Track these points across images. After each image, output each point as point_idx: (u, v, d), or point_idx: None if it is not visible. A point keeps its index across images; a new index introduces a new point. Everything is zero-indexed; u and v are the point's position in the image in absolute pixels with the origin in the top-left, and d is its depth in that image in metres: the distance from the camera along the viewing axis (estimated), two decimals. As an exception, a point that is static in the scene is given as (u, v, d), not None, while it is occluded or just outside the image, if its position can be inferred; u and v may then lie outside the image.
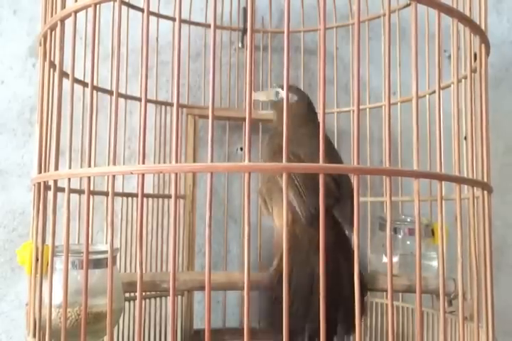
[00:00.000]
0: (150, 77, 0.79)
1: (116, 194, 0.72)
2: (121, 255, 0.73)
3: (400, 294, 0.76)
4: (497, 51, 0.73)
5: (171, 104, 0.82)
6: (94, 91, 0.70)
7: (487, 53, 0.55)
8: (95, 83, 0.70)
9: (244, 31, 0.88)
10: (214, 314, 0.84)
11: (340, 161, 0.69)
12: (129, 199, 0.76)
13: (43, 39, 0.54)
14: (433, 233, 0.69)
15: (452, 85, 0.64)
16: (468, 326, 0.56)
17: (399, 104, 0.80)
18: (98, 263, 0.53)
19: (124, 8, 0.75)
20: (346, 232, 0.65)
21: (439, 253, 0.44)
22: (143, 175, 0.40)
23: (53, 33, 0.52)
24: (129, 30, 0.75)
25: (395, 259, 0.69)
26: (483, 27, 0.54)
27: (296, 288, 0.60)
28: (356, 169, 0.39)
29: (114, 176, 0.42)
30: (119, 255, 0.70)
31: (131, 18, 0.75)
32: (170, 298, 0.39)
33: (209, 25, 0.84)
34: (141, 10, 0.76)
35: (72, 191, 0.48)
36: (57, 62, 0.49)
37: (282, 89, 0.66)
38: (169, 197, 0.79)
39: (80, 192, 0.67)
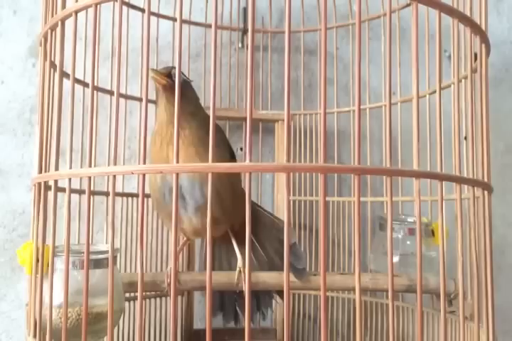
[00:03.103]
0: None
1: (116, 194, 0.72)
2: (121, 255, 0.73)
3: (400, 294, 0.76)
4: (497, 51, 0.73)
5: (171, 104, 0.82)
6: (95, 92, 0.70)
7: (487, 53, 0.55)
8: (95, 83, 0.70)
9: (244, 31, 0.88)
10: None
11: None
12: (129, 199, 0.76)
13: (43, 39, 0.54)
14: (433, 233, 0.69)
15: (452, 85, 0.64)
16: (468, 326, 0.56)
17: (399, 104, 0.80)
18: (98, 263, 0.53)
19: (124, 8, 0.75)
20: None
21: (439, 253, 0.44)
22: (144, 175, 0.40)
23: (54, 33, 0.52)
24: (129, 30, 0.75)
25: (395, 259, 0.69)
26: (483, 27, 0.54)
27: None
28: (357, 169, 0.39)
29: (114, 176, 0.42)
30: (118, 255, 0.70)
31: (131, 18, 0.75)
32: (171, 298, 0.39)
33: (209, 25, 0.85)
34: (142, 10, 0.76)
35: (72, 191, 0.48)
36: (57, 63, 0.49)
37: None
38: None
39: (80, 192, 0.67)
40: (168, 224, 0.64)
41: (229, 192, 0.60)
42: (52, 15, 0.53)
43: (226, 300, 0.70)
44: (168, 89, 0.59)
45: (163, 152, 0.59)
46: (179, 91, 0.41)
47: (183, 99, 0.62)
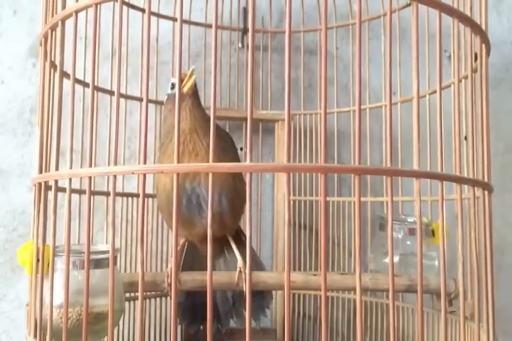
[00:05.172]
0: (150, 77, 0.79)
1: (116, 194, 0.72)
2: (121, 255, 0.73)
3: (400, 294, 0.76)
4: (497, 51, 0.73)
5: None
6: (95, 92, 0.70)
7: (487, 53, 0.55)
8: (96, 83, 0.70)
9: (245, 31, 0.88)
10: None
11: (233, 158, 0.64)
12: (129, 199, 0.76)
13: (43, 39, 0.54)
14: (433, 233, 0.69)
15: (453, 85, 0.65)
16: (468, 326, 0.56)
17: (399, 104, 0.80)
18: (99, 264, 0.53)
19: (124, 8, 0.75)
20: None
21: (440, 253, 0.44)
22: (144, 175, 0.40)
23: (54, 33, 0.52)
24: (129, 30, 0.75)
25: (396, 259, 0.69)
26: (483, 27, 0.54)
27: None
28: (358, 169, 0.39)
29: (115, 176, 0.42)
30: (119, 255, 0.70)
31: (131, 18, 0.75)
32: (171, 298, 0.39)
33: (209, 25, 0.85)
34: (142, 10, 0.76)
35: (72, 191, 0.48)
36: (57, 62, 0.49)
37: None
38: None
39: (80, 192, 0.67)
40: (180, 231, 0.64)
41: (241, 202, 0.61)
42: (53, 15, 0.53)
43: (198, 307, 0.69)
44: (193, 94, 0.61)
45: (184, 161, 0.57)
46: (179, 95, 0.41)
47: (201, 107, 0.62)
